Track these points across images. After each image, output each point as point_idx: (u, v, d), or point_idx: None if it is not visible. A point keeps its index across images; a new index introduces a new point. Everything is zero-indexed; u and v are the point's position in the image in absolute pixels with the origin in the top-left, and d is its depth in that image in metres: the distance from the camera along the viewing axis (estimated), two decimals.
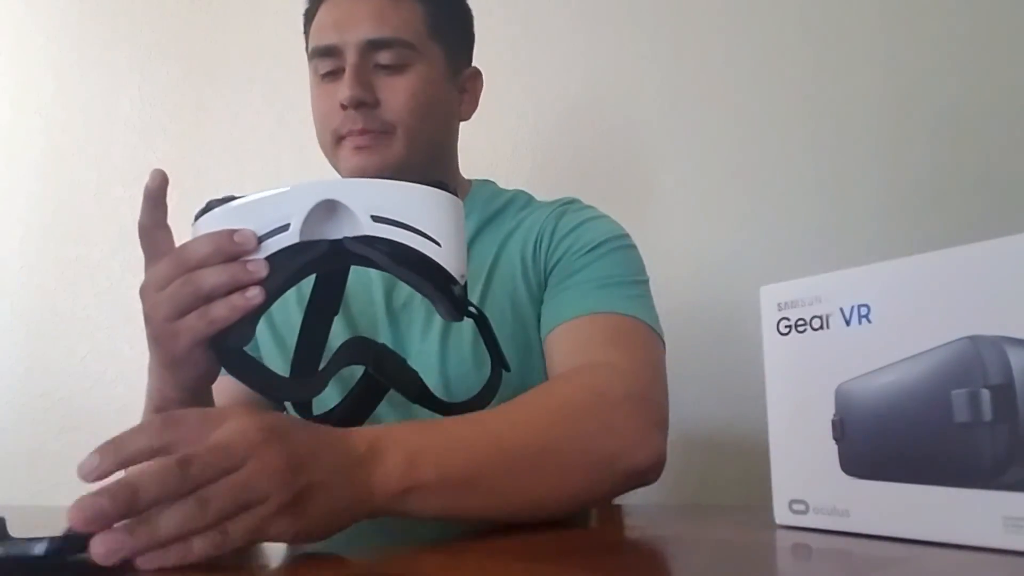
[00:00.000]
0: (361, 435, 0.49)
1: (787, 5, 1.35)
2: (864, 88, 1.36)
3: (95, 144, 1.45)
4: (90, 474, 0.42)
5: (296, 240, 0.54)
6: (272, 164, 1.39)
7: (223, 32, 1.47)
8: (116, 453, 0.43)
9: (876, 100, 1.37)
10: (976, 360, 0.46)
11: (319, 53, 0.83)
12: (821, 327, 0.54)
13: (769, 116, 1.36)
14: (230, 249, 0.54)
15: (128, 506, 0.39)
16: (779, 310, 0.57)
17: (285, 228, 0.54)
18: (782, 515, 0.56)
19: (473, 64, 0.94)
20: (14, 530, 0.42)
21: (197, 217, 0.58)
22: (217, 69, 1.46)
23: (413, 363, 0.72)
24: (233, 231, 0.54)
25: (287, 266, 0.54)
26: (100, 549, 0.38)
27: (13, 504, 0.95)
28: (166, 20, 1.47)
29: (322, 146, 0.86)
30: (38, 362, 1.41)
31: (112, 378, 1.39)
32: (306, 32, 0.89)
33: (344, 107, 0.80)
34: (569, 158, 1.31)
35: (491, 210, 0.91)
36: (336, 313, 0.71)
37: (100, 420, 1.38)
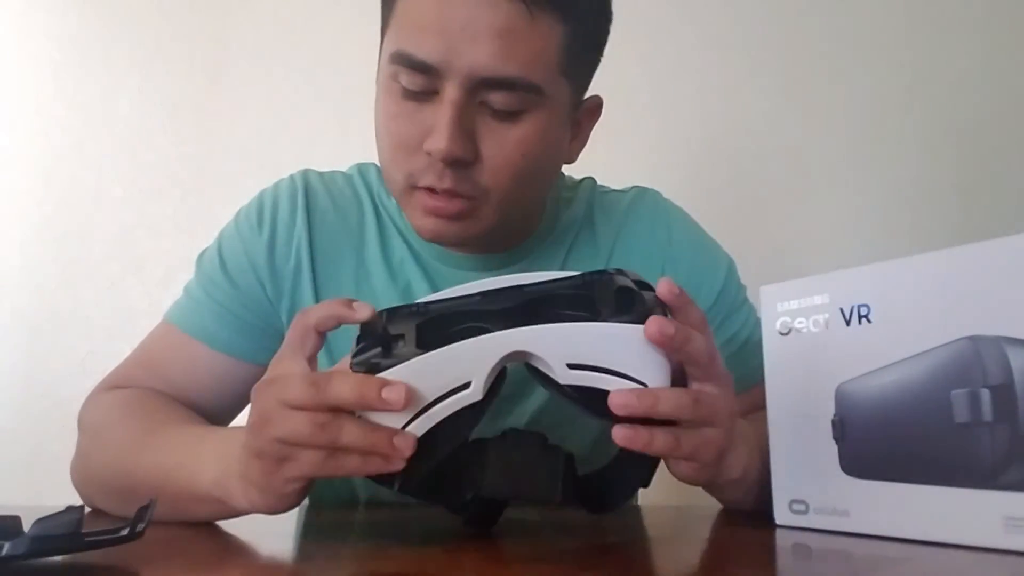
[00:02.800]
0: None
1: (818, 22, 1.35)
2: (865, 89, 1.36)
3: (95, 144, 1.45)
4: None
5: (479, 398, 0.45)
6: (272, 164, 1.39)
7: (223, 32, 1.47)
8: None
9: (877, 101, 1.37)
10: (976, 360, 0.46)
11: (409, 64, 0.60)
12: (821, 327, 0.54)
13: (768, 116, 1.36)
14: (374, 405, 0.43)
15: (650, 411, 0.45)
16: (779, 310, 0.57)
17: (466, 386, 0.45)
18: (782, 515, 0.56)
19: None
20: None
21: (360, 349, 0.48)
22: (217, 69, 1.46)
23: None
24: (383, 383, 0.43)
25: (461, 428, 0.45)
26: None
27: (13, 504, 0.94)
28: (166, 20, 1.47)
29: (385, 175, 0.68)
30: (38, 362, 1.41)
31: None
32: (387, 14, 0.66)
33: (430, 153, 0.61)
34: None
35: (578, 221, 0.79)
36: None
37: None
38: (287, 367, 0.49)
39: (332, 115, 1.41)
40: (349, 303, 0.50)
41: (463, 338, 0.45)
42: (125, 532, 0.41)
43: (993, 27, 1.31)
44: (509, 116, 0.62)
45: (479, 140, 0.62)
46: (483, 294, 0.50)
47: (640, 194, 0.83)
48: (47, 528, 0.38)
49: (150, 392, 0.74)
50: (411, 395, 0.44)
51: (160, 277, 1.41)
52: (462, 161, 0.61)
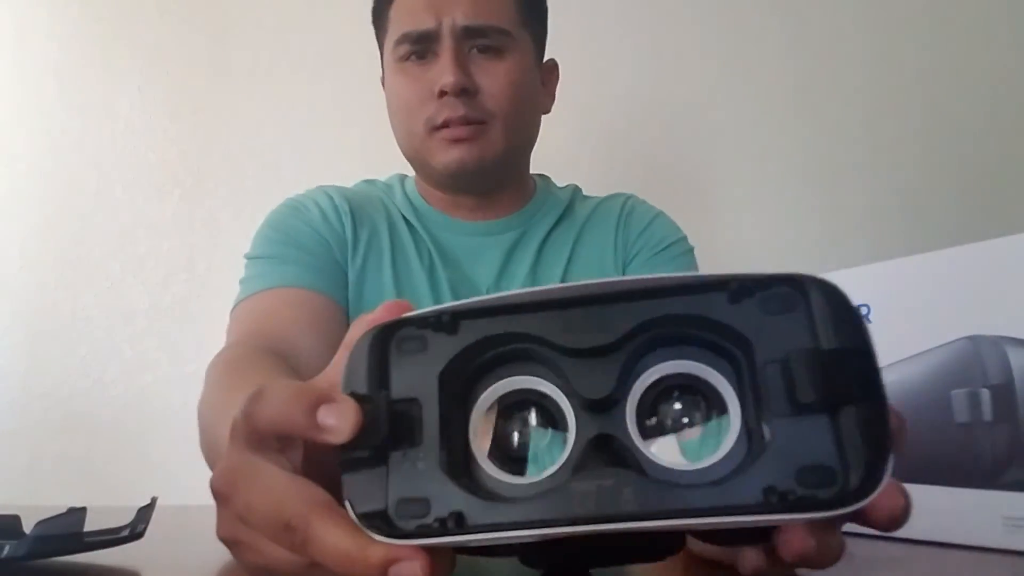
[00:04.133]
0: None
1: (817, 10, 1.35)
2: (865, 89, 1.36)
3: (95, 144, 1.45)
4: None
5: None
6: (272, 165, 1.39)
7: (223, 32, 1.47)
8: None
9: (878, 101, 1.37)
10: (976, 360, 0.46)
11: (412, 39, 0.81)
12: None
13: (767, 115, 1.36)
14: None
15: None
16: None
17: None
18: None
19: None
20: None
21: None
22: (217, 69, 1.46)
23: None
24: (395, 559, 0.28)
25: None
26: None
27: (13, 504, 0.94)
28: (166, 20, 1.47)
29: (406, 136, 0.84)
30: (38, 362, 1.41)
31: (112, 378, 1.39)
32: (380, 17, 0.87)
33: (443, 94, 0.78)
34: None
35: (562, 204, 0.93)
36: None
37: (100, 420, 1.38)
38: (244, 465, 0.31)
39: (332, 115, 1.41)
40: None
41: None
42: (125, 532, 0.41)
43: (992, 21, 1.31)
44: (494, 55, 0.81)
45: (476, 76, 0.80)
46: (542, 303, 0.29)
47: (617, 193, 0.97)
48: (48, 529, 0.38)
49: (244, 349, 0.70)
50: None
51: (160, 277, 1.41)
52: (467, 91, 0.79)
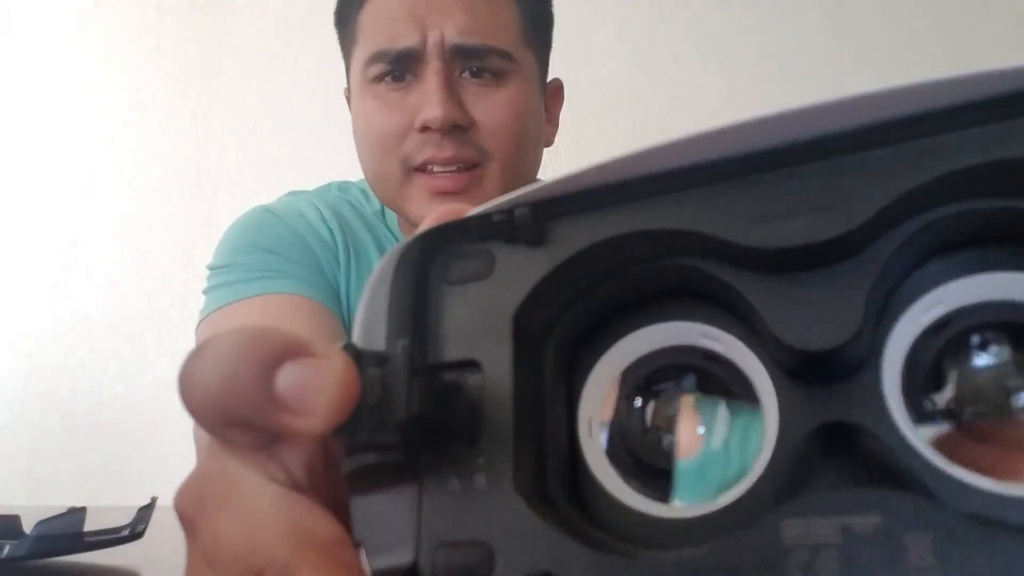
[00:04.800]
0: None
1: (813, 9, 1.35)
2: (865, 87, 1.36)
3: (95, 144, 1.45)
4: None
5: None
6: (272, 165, 1.39)
7: (223, 32, 1.47)
8: None
9: None
10: None
11: (390, 59, 0.62)
12: None
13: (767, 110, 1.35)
14: None
15: None
16: None
17: None
18: None
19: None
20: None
21: None
22: (216, 69, 1.46)
23: None
24: None
25: None
26: None
27: (13, 504, 0.95)
28: (165, 22, 1.47)
29: (375, 176, 0.66)
30: (38, 362, 1.42)
31: (112, 378, 1.40)
32: (346, 22, 0.69)
33: (426, 128, 0.61)
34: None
35: None
36: None
37: (100, 420, 1.38)
38: (216, 476, 0.20)
39: (332, 114, 1.41)
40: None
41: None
42: (125, 532, 0.41)
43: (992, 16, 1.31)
44: (492, 81, 0.63)
45: (469, 107, 0.62)
46: (701, 171, 0.16)
47: None
48: (48, 529, 0.38)
49: None
50: None
51: (160, 277, 1.41)
52: (459, 126, 0.61)
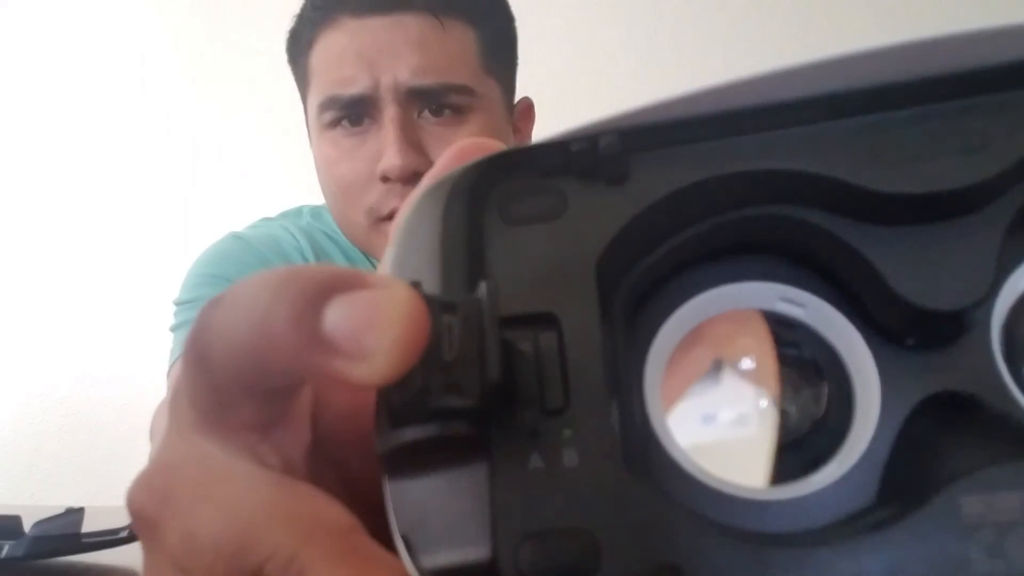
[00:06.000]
0: None
1: (784, 9, 1.35)
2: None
3: (94, 144, 1.45)
4: None
5: None
6: (273, 164, 1.39)
7: (223, 32, 1.47)
8: None
9: None
10: None
11: (341, 105, 0.61)
12: None
13: None
14: None
15: None
16: None
17: None
18: None
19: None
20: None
21: None
22: (216, 69, 1.46)
23: None
24: None
25: None
26: None
27: (13, 504, 0.95)
28: (165, 23, 1.47)
29: (343, 222, 0.66)
30: (38, 362, 1.42)
31: (112, 378, 1.39)
32: (297, 63, 0.69)
33: (387, 179, 0.59)
34: None
35: None
36: None
37: (100, 420, 1.38)
38: (188, 462, 0.16)
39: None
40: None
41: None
42: (124, 533, 0.41)
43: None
44: (453, 118, 0.61)
45: (430, 151, 0.60)
46: (810, 106, 0.14)
47: None
48: (46, 529, 0.38)
49: None
50: None
51: (160, 277, 1.41)
52: (419, 173, 0.59)
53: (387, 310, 0.12)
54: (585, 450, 0.13)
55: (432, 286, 0.14)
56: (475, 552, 0.12)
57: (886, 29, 1.34)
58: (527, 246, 0.14)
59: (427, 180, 0.16)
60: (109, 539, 0.40)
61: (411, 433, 0.13)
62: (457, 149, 0.16)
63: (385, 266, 0.15)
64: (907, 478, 0.13)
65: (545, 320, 0.14)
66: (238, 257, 0.68)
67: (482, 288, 0.13)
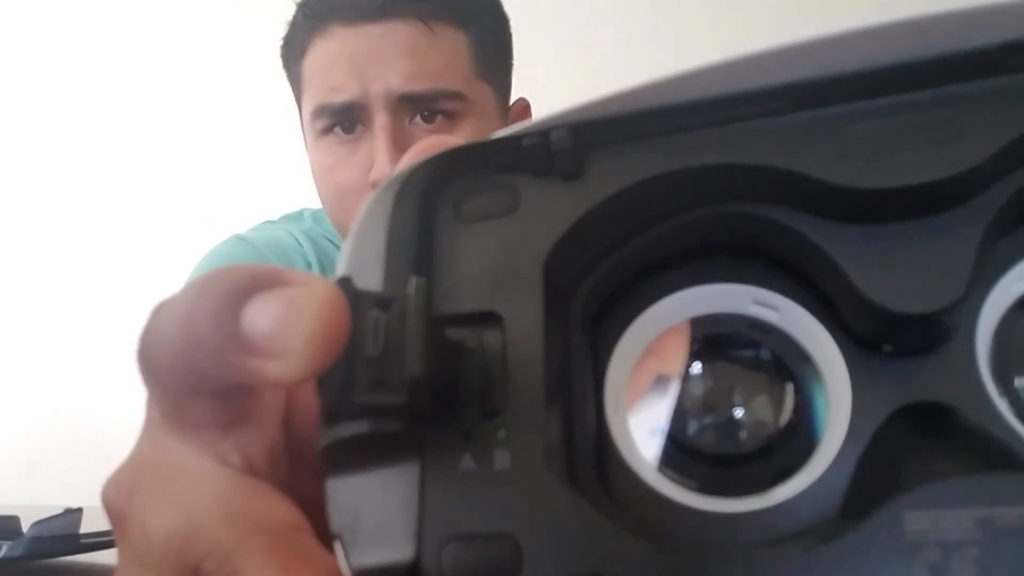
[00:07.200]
0: None
1: (781, 11, 1.35)
2: None
3: (93, 143, 1.45)
4: None
5: None
6: (274, 164, 1.39)
7: (222, 32, 1.47)
8: None
9: None
10: None
11: (332, 113, 0.61)
12: None
13: None
14: None
15: None
16: None
17: None
18: None
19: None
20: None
21: None
22: (216, 69, 1.46)
23: None
24: None
25: None
26: None
27: (13, 504, 0.94)
28: (164, 17, 1.47)
29: (339, 226, 0.67)
30: (37, 363, 1.42)
31: (112, 378, 1.39)
32: (291, 69, 0.69)
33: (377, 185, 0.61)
34: None
35: None
36: None
37: (100, 421, 1.38)
38: (153, 459, 0.17)
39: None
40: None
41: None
42: None
43: None
44: (445, 124, 0.61)
45: None
46: (779, 94, 0.13)
47: None
48: (44, 530, 0.38)
49: None
50: None
51: (160, 276, 1.41)
52: None
53: (302, 307, 0.12)
54: (517, 453, 0.12)
55: (374, 282, 0.13)
56: (400, 552, 0.12)
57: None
58: (477, 243, 0.14)
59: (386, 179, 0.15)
60: (107, 539, 0.40)
61: (343, 430, 0.12)
62: (420, 148, 0.16)
63: (339, 264, 0.15)
64: (871, 491, 0.12)
65: (490, 319, 0.13)
66: (241, 259, 0.69)
67: (412, 283, 0.12)
